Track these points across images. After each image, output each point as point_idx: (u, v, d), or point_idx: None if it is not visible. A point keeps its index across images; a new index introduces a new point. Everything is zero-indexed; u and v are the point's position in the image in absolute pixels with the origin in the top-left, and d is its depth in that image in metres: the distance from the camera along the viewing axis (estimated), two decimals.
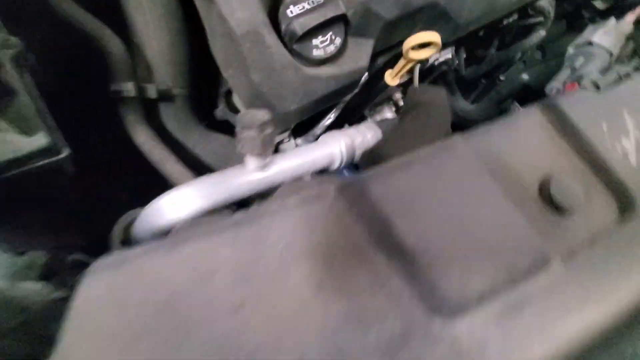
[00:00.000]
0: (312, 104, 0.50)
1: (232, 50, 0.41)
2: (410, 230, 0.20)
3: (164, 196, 0.31)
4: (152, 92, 0.45)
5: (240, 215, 0.20)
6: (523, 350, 0.20)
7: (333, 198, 0.21)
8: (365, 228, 0.20)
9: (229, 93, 0.55)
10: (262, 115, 0.30)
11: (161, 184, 0.41)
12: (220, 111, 0.53)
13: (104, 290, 0.17)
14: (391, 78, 0.59)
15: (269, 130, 0.30)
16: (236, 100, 0.55)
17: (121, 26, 0.44)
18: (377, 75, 0.62)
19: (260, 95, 0.45)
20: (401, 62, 0.55)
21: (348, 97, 0.60)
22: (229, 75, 0.45)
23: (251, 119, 0.29)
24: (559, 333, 0.20)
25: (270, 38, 0.41)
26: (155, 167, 0.43)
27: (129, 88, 0.43)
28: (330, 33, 0.46)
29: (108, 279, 0.17)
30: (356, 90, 0.59)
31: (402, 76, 0.60)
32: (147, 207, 0.32)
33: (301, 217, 0.20)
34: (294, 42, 0.44)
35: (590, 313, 0.21)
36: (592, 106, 0.26)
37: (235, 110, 0.56)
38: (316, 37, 0.46)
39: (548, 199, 0.24)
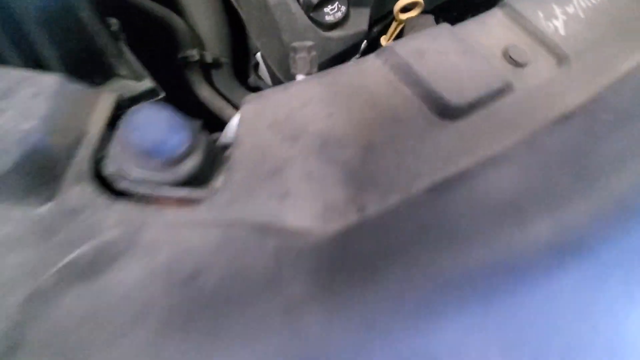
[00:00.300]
0: (327, 62, 0.63)
1: (266, 18, 0.54)
2: (424, 68, 0.32)
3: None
4: (208, 57, 0.58)
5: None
6: (502, 133, 0.32)
7: (373, 57, 0.33)
8: (395, 72, 0.33)
9: (256, 65, 0.68)
10: (308, 42, 0.42)
11: None
12: (253, 80, 0.65)
13: (252, 109, 0.29)
14: (385, 41, 0.72)
15: (314, 52, 0.42)
16: (261, 71, 0.68)
17: (176, 11, 0.57)
18: (373, 43, 0.75)
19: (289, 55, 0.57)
20: (393, 25, 0.68)
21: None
22: (262, 43, 0.58)
23: (301, 44, 0.42)
24: (524, 124, 0.32)
25: (295, 6, 0.54)
26: (216, 114, 0.55)
27: (193, 54, 0.56)
28: (337, 2, 0.59)
29: (255, 103, 0.30)
30: (358, 56, 0.72)
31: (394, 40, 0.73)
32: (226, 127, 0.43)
33: (356, 69, 0.33)
34: (311, 11, 0.57)
35: (542, 113, 0.33)
36: (531, 1, 0.39)
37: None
38: (326, 6, 0.59)
39: (509, 59, 0.36)
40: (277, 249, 0.23)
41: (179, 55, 0.56)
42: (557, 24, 0.38)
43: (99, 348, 0.20)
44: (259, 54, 0.68)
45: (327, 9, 0.59)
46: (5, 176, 0.24)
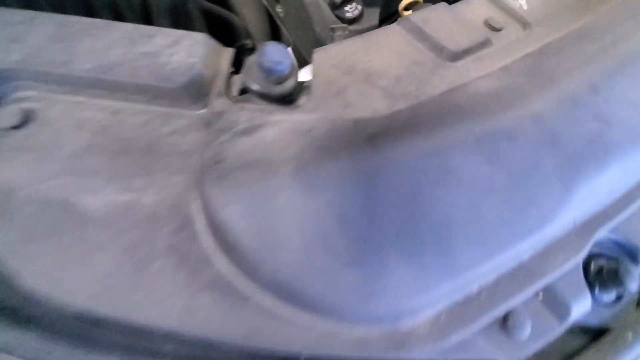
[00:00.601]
0: None
1: (302, 14, 0.71)
2: (430, 29, 0.48)
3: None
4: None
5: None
6: (485, 66, 0.47)
7: (394, 25, 0.50)
8: (410, 32, 0.49)
9: None
10: (343, 24, 0.59)
11: None
12: None
13: (321, 55, 0.45)
14: None
15: (347, 32, 0.59)
16: None
17: (232, 11, 0.74)
18: None
19: (320, 43, 0.74)
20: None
21: None
22: (297, 35, 0.75)
23: (338, 25, 0.58)
24: (499, 62, 0.48)
25: (324, 5, 0.71)
26: None
27: (248, 42, 0.72)
28: (355, 2, 0.76)
29: (322, 52, 0.46)
30: None
31: None
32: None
33: (383, 32, 0.49)
34: (335, 8, 0.74)
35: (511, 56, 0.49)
36: None
37: None
38: (346, 5, 0.75)
39: (488, 25, 0.52)
40: (355, 121, 0.39)
41: (236, 44, 0.72)
42: (521, 2, 0.55)
43: (267, 160, 0.35)
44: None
45: (347, 8, 0.76)
46: (181, 89, 0.39)
